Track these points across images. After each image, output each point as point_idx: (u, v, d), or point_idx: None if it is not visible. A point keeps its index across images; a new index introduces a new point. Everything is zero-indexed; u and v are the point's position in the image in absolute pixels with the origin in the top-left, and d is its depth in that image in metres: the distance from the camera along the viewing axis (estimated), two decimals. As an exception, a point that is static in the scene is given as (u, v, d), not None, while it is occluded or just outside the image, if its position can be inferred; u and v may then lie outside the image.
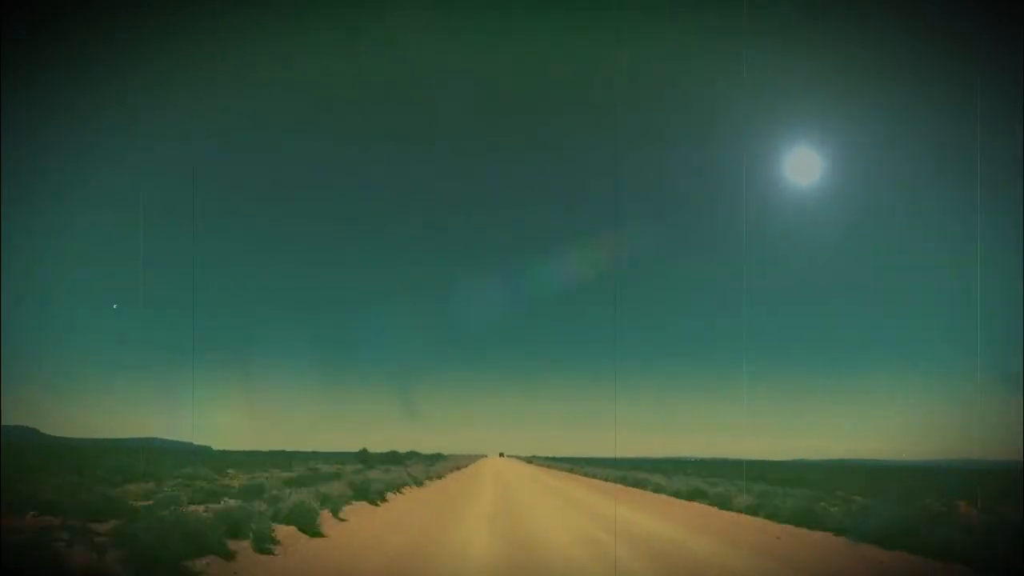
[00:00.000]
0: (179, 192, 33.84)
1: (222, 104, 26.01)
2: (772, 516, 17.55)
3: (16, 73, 18.29)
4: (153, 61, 22.24)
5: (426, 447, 55.45)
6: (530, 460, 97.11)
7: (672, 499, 25.67)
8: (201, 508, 12.97)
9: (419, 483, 30.01)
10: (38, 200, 22.95)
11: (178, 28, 21.39)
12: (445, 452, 63.58)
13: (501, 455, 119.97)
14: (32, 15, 18.60)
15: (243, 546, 10.72)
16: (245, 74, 25.13)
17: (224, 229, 39.80)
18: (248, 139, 31.97)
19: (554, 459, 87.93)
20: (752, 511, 18.97)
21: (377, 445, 47.24)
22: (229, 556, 10.05)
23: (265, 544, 11.02)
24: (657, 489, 29.81)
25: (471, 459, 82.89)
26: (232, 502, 14.08)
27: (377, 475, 25.54)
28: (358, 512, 17.27)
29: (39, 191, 23.01)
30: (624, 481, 35.82)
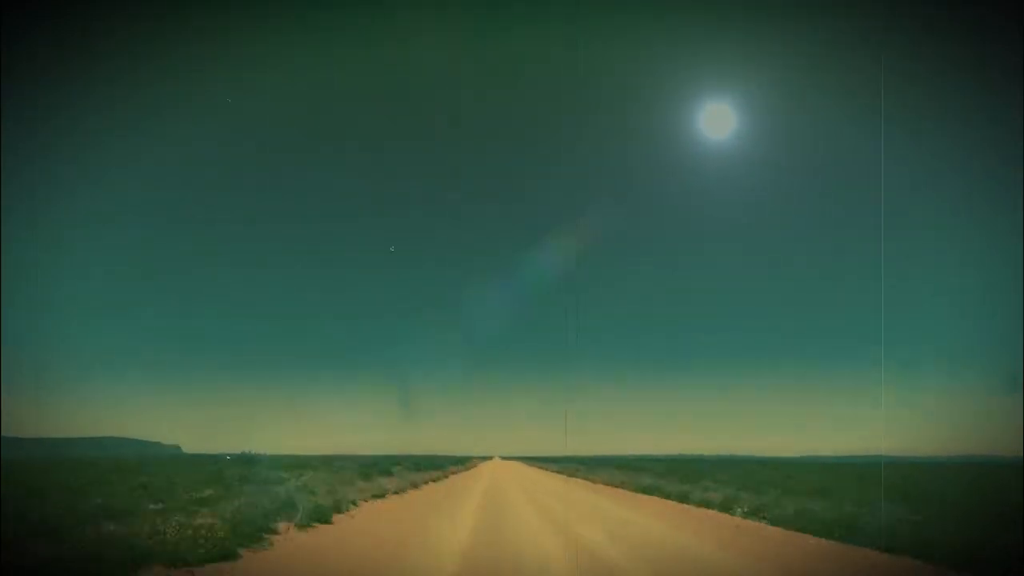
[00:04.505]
0: (179, 196, 33.83)
1: (221, 107, 26.01)
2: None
3: (19, 74, 18.26)
4: (157, 61, 22.21)
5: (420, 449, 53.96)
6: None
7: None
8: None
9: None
10: (39, 201, 22.94)
11: (180, 29, 21.34)
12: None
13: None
14: (35, 17, 18.57)
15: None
16: (247, 76, 25.10)
17: (220, 231, 39.87)
18: (245, 142, 31.96)
19: (550, 459, 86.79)
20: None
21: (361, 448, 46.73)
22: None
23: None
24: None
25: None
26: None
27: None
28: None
29: (41, 192, 22.99)
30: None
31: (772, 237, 37.54)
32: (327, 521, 13.38)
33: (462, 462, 56.52)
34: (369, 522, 14.36)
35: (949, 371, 30.28)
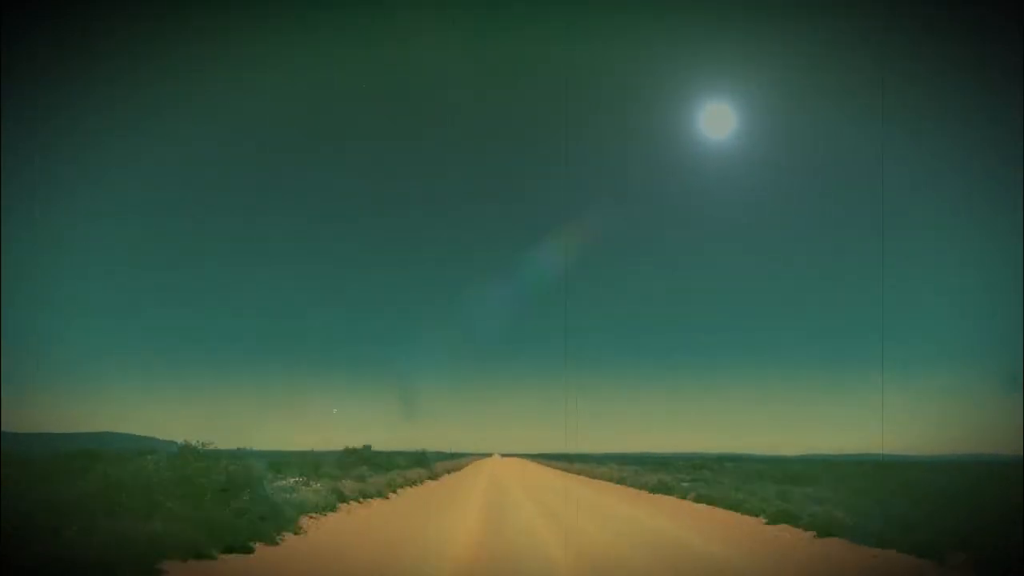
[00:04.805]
0: (179, 195, 33.89)
1: (221, 105, 26.02)
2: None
3: (19, 74, 18.25)
4: (157, 60, 22.20)
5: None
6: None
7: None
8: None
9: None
10: (39, 201, 22.94)
11: (180, 28, 21.34)
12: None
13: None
14: (35, 17, 18.55)
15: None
16: (246, 75, 25.11)
17: (219, 228, 39.90)
18: (244, 140, 31.98)
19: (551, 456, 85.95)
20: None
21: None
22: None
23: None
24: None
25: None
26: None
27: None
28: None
29: (41, 192, 22.99)
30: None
31: (772, 237, 37.53)
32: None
33: (423, 463, 51.46)
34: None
35: (949, 370, 30.25)
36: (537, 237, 40.02)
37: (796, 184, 30.48)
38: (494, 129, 35.71)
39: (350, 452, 30.79)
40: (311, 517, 15.30)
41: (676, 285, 44.25)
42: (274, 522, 12.88)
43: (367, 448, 31.37)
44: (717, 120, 24.16)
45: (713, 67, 23.03)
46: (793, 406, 45.84)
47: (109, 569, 8.34)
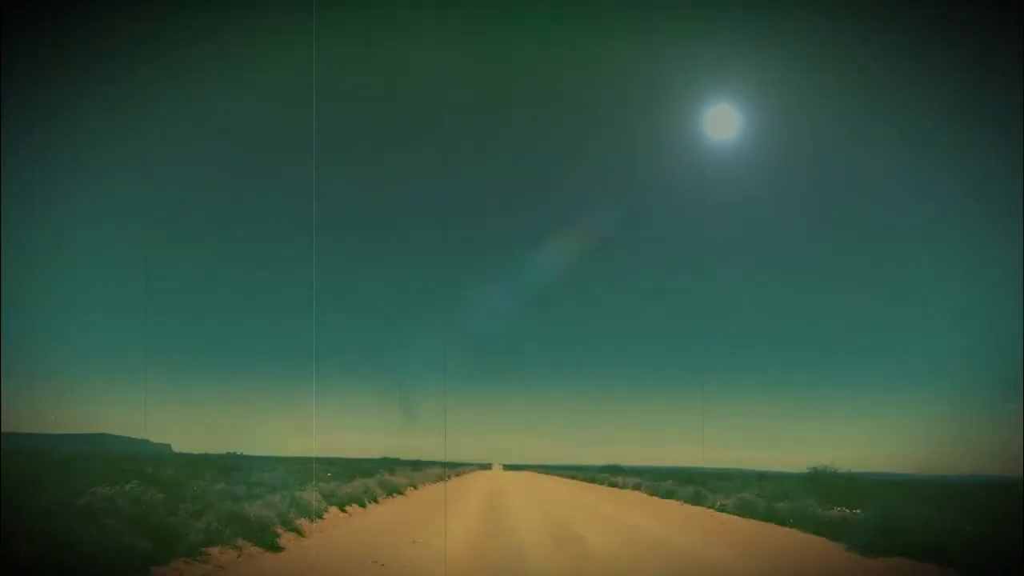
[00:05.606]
0: (178, 192, 33.93)
1: (221, 105, 26.03)
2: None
3: (19, 74, 18.25)
4: (157, 60, 22.22)
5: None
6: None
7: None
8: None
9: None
10: (39, 201, 22.95)
11: (180, 28, 21.36)
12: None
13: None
14: (35, 17, 18.56)
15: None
16: (245, 75, 25.12)
17: (218, 229, 39.93)
18: (244, 141, 31.98)
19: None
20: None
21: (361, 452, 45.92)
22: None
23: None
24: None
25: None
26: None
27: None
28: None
29: (41, 192, 23.00)
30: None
31: (772, 238, 37.50)
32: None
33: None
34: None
35: (949, 382, 30.20)
36: (538, 237, 39.99)
37: (796, 184, 30.46)
38: (494, 130, 35.69)
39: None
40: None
41: (676, 285, 44.20)
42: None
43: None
44: (717, 120, 24.20)
45: (713, 67, 23.05)
46: (796, 420, 45.56)
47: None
